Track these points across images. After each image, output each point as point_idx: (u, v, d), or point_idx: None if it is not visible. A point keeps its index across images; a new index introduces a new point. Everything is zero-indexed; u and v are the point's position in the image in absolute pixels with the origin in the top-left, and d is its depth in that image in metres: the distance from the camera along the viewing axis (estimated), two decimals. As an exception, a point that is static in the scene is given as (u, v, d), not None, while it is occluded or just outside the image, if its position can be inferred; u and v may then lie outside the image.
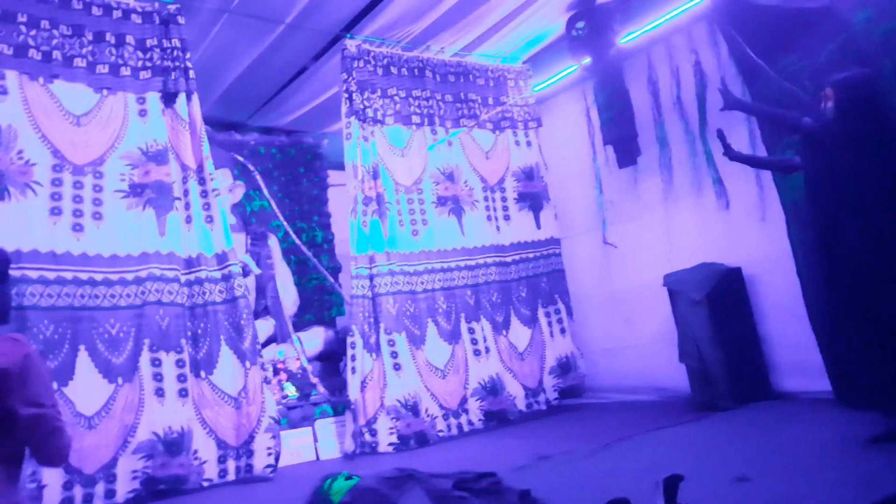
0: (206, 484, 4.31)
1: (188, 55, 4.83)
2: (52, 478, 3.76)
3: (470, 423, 5.41)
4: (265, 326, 6.24)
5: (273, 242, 6.73)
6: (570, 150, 6.56)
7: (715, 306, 4.85)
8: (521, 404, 5.74)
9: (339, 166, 7.77)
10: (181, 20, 4.80)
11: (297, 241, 6.95)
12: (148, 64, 4.69)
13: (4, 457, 1.85)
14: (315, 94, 6.68)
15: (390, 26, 5.61)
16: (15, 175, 4.11)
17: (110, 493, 3.96)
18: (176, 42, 4.76)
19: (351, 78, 5.57)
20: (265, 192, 6.93)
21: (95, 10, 4.54)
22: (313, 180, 7.62)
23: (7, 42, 4.18)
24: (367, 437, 4.98)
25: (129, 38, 4.64)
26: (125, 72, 4.61)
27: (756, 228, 5.04)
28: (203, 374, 4.51)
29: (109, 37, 4.57)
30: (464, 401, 5.44)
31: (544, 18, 5.81)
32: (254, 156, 7.13)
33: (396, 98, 5.82)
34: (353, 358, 5.12)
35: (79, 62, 4.44)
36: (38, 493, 3.69)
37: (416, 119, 5.92)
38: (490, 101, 6.39)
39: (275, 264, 6.59)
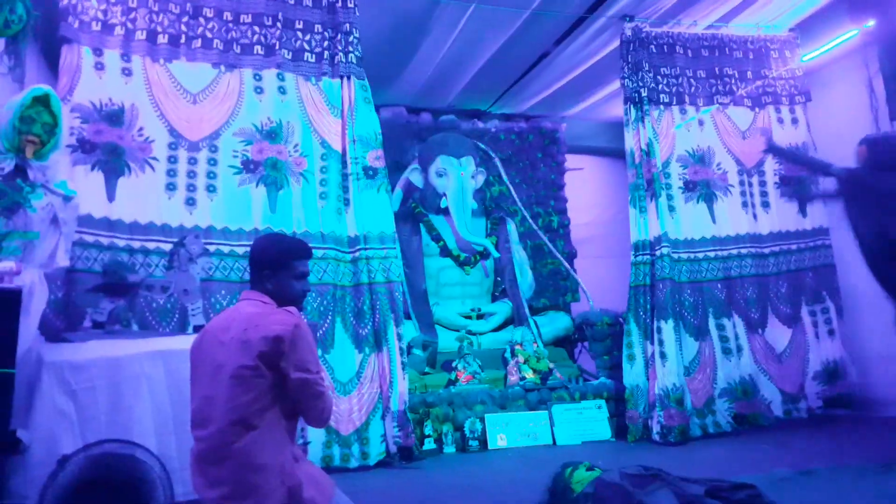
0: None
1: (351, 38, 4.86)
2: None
3: (716, 424, 5.04)
4: (504, 309, 6.38)
5: (511, 227, 6.85)
6: (847, 128, 5.70)
7: None
8: (777, 410, 5.23)
9: (577, 150, 7.71)
10: (350, 4, 4.90)
11: (534, 226, 7.01)
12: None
13: (287, 413, 2.08)
14: (556, 78, 6.63)
15: (636, 4, 5.35)
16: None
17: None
18: (347, 27, 4.86)
19: (626, 63, 5.47)
20: (504, 177, 7.08)
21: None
22: (550, 165, 7.58)
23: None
24: (636, 425, 4.94)
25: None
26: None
27: None
28: None
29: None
30: (710, 400, 5.08)
31: (817, -21, 5.17)
32: (494, 142, 7.32)
33: (645, 78, 5.51)
34: (630, 345, 5.13)
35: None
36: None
37: (664, 98, 5.59)
38: (749, 74, 5.83)
39: (512, 248, 6.70)
